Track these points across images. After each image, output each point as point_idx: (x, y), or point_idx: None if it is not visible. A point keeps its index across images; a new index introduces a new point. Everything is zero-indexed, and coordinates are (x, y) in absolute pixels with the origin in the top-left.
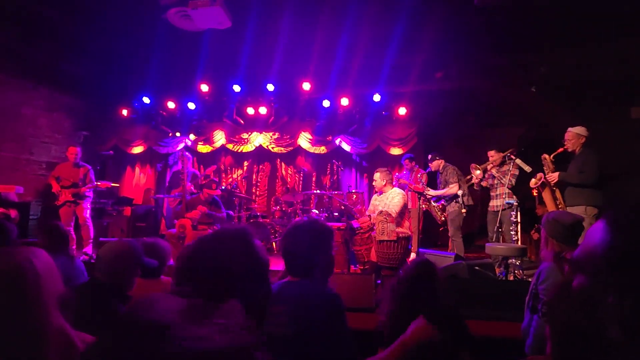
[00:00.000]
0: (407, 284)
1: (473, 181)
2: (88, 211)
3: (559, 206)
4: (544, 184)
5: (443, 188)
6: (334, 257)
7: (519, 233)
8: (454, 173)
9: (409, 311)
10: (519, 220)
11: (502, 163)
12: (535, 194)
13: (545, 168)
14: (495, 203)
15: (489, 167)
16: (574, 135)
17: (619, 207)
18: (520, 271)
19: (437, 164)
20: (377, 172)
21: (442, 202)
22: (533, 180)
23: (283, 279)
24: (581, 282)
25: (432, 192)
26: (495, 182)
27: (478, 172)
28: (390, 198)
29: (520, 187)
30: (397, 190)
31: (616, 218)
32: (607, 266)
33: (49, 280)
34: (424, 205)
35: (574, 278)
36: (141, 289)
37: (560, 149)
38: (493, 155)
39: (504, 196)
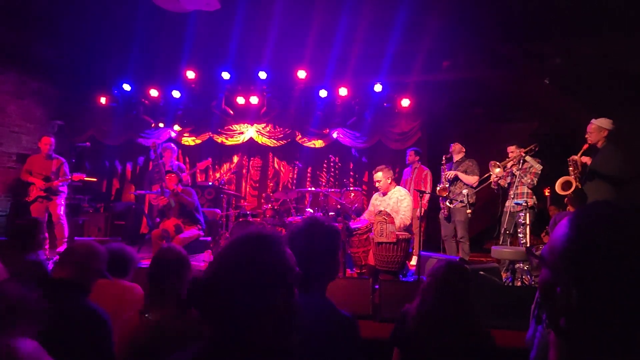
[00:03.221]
0: (441, 289)
1: (491, 179)
2: (62, 208)
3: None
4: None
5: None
6: (339, 261)
7: (528, 235)
8: (477, 166)
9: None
10: (528, 222)
11: (521, 160)
12: (547, 193)
13: (572, 169)
14: (512, 203)
15: (508, 165)
16: (596, 128)
17: (585, 206)
18: (528, 277)
19: (459, 148)
20: (378, 171)
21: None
22: (559, 184)
23: None
24: (543, 275)
25: (458, 174)
26: (515, 180)
27: (498, 169)
28: (394, 199)
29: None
30: (402, 190)
31: (578, 215)
32: (562, 259)
33: None
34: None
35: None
36: (103, 289)
37: (586, 146)
38: (513, 152)
39: (523, 195)
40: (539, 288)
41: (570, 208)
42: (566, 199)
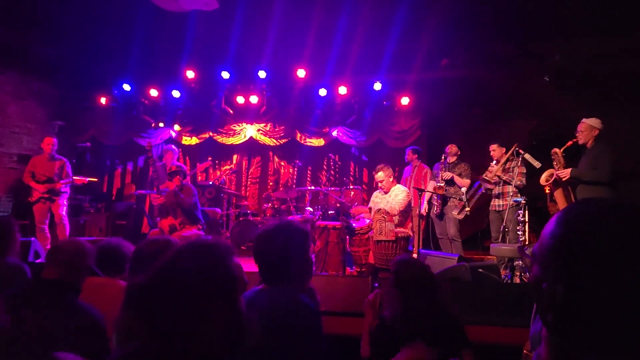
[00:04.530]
0: (405, 293)
1: (490, 186)
2: (64, 208)
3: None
4: (557, 182)
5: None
6: (311, 261)
7: (527, 233)
8: (470, 171)
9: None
10: (526, 220)
11: (506, 160)
12: (547, 191)
13: (555, 163)
14: (497, 202)
15: (500, 172)
16: (587, 127)
17: (574, 203)
18: (527, 274)
19: (455, 150)
20: (379, 170)
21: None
22: (543, 176)
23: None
24: (534, 271)
25: (454, 176)
26: (500, 180)
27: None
28: (393, 195)
29: (530, 185)
30: (401, 187)
31: (566, 211)
32: (549, 255)
33: None
34: (439, 186)
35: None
36: (97, 289)
37: (570, 142)
38: (495, 150)
39: (508, 195)
40: (531, 284)
41: (559, 202)
42: (555, 193)
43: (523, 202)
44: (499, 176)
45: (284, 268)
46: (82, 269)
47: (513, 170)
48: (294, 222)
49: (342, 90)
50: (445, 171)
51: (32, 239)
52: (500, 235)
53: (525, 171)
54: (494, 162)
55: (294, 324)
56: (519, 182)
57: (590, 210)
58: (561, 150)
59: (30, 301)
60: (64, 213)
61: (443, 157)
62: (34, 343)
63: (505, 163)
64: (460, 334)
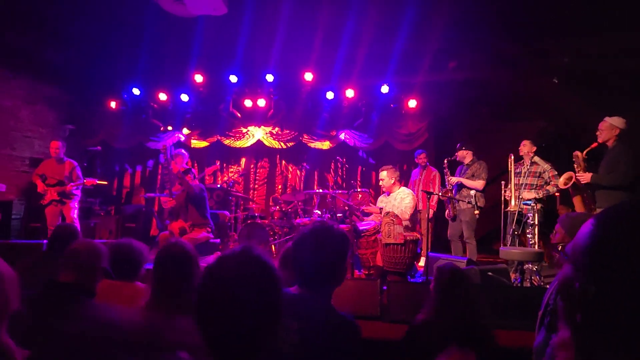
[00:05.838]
0: (441, 295)
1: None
2: (75, 211)
3: (591, 209)
4: (576, 186)
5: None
6: (347, 267)
7: (536, 236)
8: (486, 169)
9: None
10: (536, 222)
11: (531, 163)
12: (557, 194)
13: (575, 166)
14: (518, 204)
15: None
16: (607, 126)
17: (613, 205)
18: (537, 277)
19: (462, 154)
20: (383, 170)
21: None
22: (562, 179)
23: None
24: (565, 271)
25: (462, 180)
26: (521, 180)
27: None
28: (399, 199)
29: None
30: (406, 190)
31: (604, 213)
32: (584, 255)
33: None
34: (442, 193)
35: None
36: (112, 291)
37: (594, 144)
38: (526, 145)
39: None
40: (559, 283)
41: (577, 207)
42: (574, 199)
43: (532, 204)
44: (536, 198)
45: (326, 274)
46: (97, 271)
47: (544, 175)
48: (333, 227)
49: (350, 93)
50: (461, 175)
51: (44, 241)
52: (510, 238)
53: (556, 172)
54: (517, 167)
55: (344, 342)
56: (554, 189)
57: (626, 211)
58: (584, 153)
59: (46, 304)
60: (74, 216)
61: (446, 162)
62: (50, 346)
63: (531, 165)
64: (492, 338)
